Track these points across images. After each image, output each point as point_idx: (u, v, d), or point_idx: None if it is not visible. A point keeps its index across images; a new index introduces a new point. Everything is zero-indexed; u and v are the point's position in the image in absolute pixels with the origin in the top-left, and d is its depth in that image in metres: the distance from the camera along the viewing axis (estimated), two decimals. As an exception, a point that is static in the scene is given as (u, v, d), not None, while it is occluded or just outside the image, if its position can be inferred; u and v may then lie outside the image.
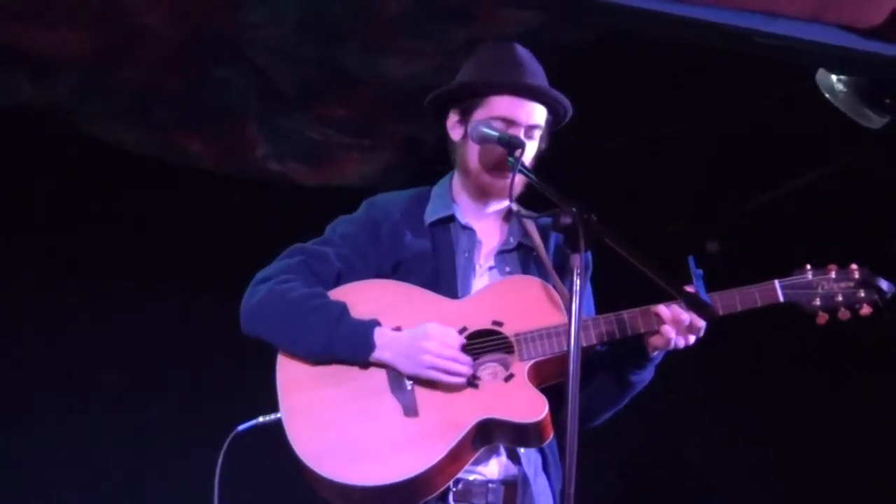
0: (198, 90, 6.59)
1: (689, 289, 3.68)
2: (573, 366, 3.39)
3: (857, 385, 7.15)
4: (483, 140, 3.88)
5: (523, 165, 3.81)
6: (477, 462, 3.77)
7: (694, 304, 3.61)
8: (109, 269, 6.65)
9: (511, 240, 4.00)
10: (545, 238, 3.99)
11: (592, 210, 3.57)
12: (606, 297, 3.97)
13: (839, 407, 7.17)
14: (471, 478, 3.78)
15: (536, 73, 4.00)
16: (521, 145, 3.82)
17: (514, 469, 3.80)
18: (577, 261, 3.49)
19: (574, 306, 3.45)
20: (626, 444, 6.71)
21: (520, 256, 3.98)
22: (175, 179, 6.80)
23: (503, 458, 3.81)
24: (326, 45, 6.39)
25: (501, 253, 3.98)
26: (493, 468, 3.80)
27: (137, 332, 6.69)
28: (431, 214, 4.00)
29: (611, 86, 6.22)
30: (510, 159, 3.83)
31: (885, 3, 4.64)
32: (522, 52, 4.04)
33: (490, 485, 3.79)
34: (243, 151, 6.89)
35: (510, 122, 3.94)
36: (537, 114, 3.96)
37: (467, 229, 3.99)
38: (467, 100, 3.99)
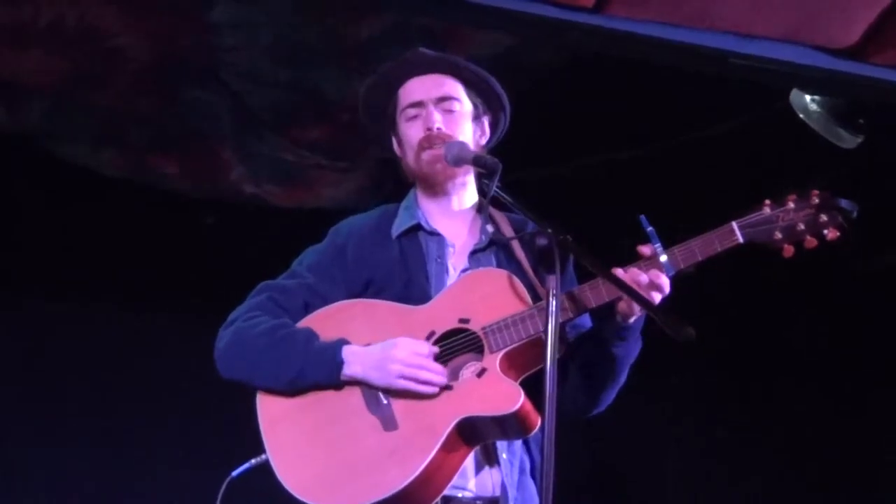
0: (173, 113, 6.58)
1: (647, 248, 3.68)
2: (549, 385, 3.39)
3: (825, 389, 7.19)
4: (458, 162, 3.87)
5: (498, 186, 3.79)
6: (462, 477, 3.75)
7: (670, 324, 3.58)
8: (85, 293, 6.62)
9: (483, 238, 3.96)
10: (520, 230, 3.95)
11: (567, 230, 3.58)
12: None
13: (808, 410, 7.21)
14: (459, 495, 3.76)
15: (433, 53, 3.99)
16: (496, 166, 3.80)
17: (497, 477, 3.78)
18: (552, 282, 3.49)
19: (550, 327, 3.44)
20: (603, 439, 6.71)
21: (494, 253, 3.94)
22: (150, 202, 6.78)
23: (484, 468, 3.79)
24: (301, 67, 6.39)
25: (475, 253, 3.94)
26: (479, 483, 3.78)
27: (110, 359, 6.64)
28: (398, 227, 3.98)
29: (586, 106, 6.22)
30: (485, 181, 3.82)
31: (858, 23, 4.66)
32: (423, 49, 4.03)
33: (478, 502, 3.78)
34: (218, 174, 6.88)
35: (417, 105, 3.94)
36: (439, 85, 3.95)
37: (435, 235, 3.96)
38: (387, 108, 4.01)
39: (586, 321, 3.88)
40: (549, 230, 3.55)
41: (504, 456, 3.80)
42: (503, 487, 3.78)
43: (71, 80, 6.37)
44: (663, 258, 3.67)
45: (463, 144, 3.89)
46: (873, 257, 3.68)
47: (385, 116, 4.03)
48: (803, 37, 4.73)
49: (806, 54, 4.77)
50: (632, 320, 3.72)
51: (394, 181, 6.72)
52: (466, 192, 4.00)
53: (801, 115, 5.66)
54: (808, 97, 5.63)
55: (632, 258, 3.71)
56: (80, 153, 6.74)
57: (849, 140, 5.73)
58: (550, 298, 3.47)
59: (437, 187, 3.97)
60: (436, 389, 3.70)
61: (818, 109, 5.65)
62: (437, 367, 3.72)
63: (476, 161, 3.85)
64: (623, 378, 3.88)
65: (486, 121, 4.04)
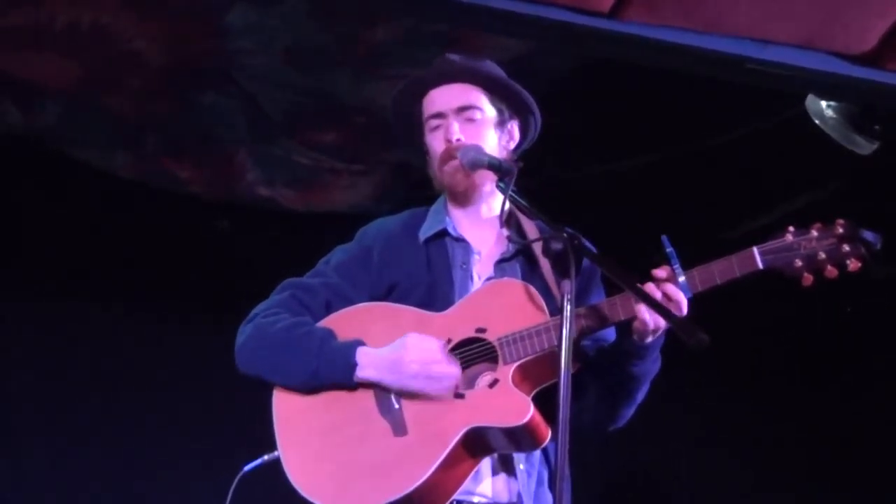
0: (187, 116, 6.60)
1: (665, 270, 3.64)
2: (563, 391, 3.38)
3: (840, 395, 7.17)
4: (474, 166, 3.87)
5: (513, 190, 3.79)
6: (477, 482, 3.76)
7: (684, 329, 3.56)
8: (100, 296, 6.63)
9: (510, 247, 3.95)
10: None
11: (582, 235, 3.58)
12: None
13: (823, 417, 7.19)
14: (475, 500, 3.76)
15: (456, 60, 3.97)
16: (511, 171, 3.81)
17: (515, 487, 3.78)
18: (567, 286, 3.48)
19: (564, 332, 3.43)
20: (614, 456, 6.71)
21: (520, 264, 3.93)
22: (165, 205, 6.79)
23: (502, 476, 3.79)
24: (315, 71, 6.40)
25: (500, 262, 3.94)
26: (495, 489, 3.78)
27: (126, 361, 6.65)
28: (425, 231, 3.98)
29: (598, 112, 6.22)
30: (500, 185, 3.82)
31: (875, 30, 4.65)
32: (450, 55, 4.02)
33: None
34: (233, 177, 6.89)
35: (438, 115, 3.94)
36: (461, 94, 3.94)
37: (461, 241, 3.96)
38: (413, 116, 4.00)
39: (609, 335, 3.85)
40: (564, 233, 3.54)
41: (521, 466, 3.80)
42: (519, 497, 3.78)
43: (86, 82, 6.38)
44: (681, 279, 3.64)
45: (478, 148, 3.88)
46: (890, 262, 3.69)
47: (414, 125, 4.02)
48: (819, 43, 4.72)
49: (822, 60, 4.76)
50: (648, 340, 3.69)
51: (408, 185, 6.80)
52: (495, 200, 3.97)
53: (817, 121, 5.65)
54: (824, 103, 5.62)
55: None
56: (94, 156, 6.76)
57: (865, 146, 5.72)
58: (565, 303, 3.46)
59: (460, 197, 3.98)
60: (452, 383, 3.69)
61: (834, 115, 5.64)
62: (449, 359, 3.71)
63: (491, 165, 3.84)
64: (641, 396, 3.86)
65: (513, 126, 4.02)
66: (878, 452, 7.09)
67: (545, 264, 3.83)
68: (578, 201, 6.32)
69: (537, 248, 3.82)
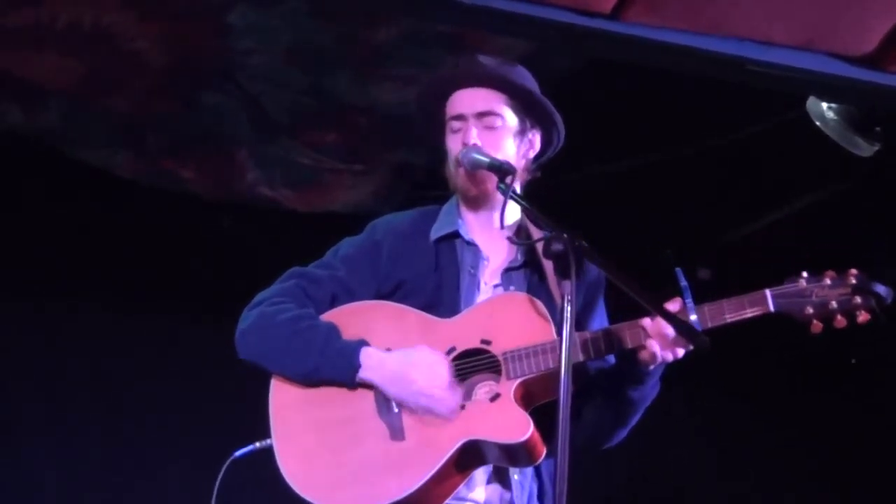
0: (188, 116, 6.59)
1: (677, 303, 3.65)
2: (563, 396, 3.38)
3: (842, 402, 7.17)
4: (475, 166, 3.86)
5: (514, 192, 3.79)
6: (470, 488, 3.75)
7: (686, 332, 3.57)
8: (100, 295, 6.63)
9: (518, 257, 3.94)
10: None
11: (583, 236, 3.57)
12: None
13: (825, 424, 7.18)
14: (467, 506, 3.76)
15: (484, 64, 3.95)
16: (512, 171, 3.80)
17: (507, 496, 3.78)
18: (567, 288, 3.48)
19: (565, 333, 3.44)
20: (617, 469, 6.70)
21: (527, 275, 3.92)
22: (166, 205, 6.79)
23: (495, 485, 3.79)
24: (317, 71, 6.39)
25: (508, 271, 3.93)
26: (486, 495, 3.78)
27: (128, 357, 6.66)
28: (437, 231, 3.96)
29: (598, 112, 6.22)
30: (501, 186, 3.81)
31: (876, 32, 4.65)
32: (481, 56, 3.99)
33: None
34: (234, 177, 6.89)
35: (459, 118, 3.92)
36: (483, 100, 3.92)
37: (472, 245, 3.94)
38: (438, 115, 3.98)
39: (612, 356, 3.84)
40: (565, 234, 3.54)
41: (515, 477, 3.81)
42: None
43: (87, 82, 6.38)
44: (693, 317, 3.65)
45: (479, 149, 3.87)
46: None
47: (437, 122, 4.01)
48: (820, 45, 4.72)
49: (823, 62, 4.76)
50: (652, 366, 3.70)
51: (409, 185, 6.80)
52: (508, 207, 3.92)
53: (817, 123, 5.65)
54: (824, 105, 5.62)
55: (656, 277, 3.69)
56: (95, 156, 6.75)
57: (865, 148, 5.72)
58: (565, 304, 3.46)
59: (472, 202, 3.96)
60: (451, 411, 3.68)
61: (835, 117, 5.64)
62: (452, 399, 3.70)
63: (492, 166, 3.83)
64: (635, 420, 3.87)
65: (534, 135, 4.00)
66: (881, 459, 7.09)
67: (550, 273, 3.80)
68: (578, 201, 6.33)
69: (539, 249, 3.80)
